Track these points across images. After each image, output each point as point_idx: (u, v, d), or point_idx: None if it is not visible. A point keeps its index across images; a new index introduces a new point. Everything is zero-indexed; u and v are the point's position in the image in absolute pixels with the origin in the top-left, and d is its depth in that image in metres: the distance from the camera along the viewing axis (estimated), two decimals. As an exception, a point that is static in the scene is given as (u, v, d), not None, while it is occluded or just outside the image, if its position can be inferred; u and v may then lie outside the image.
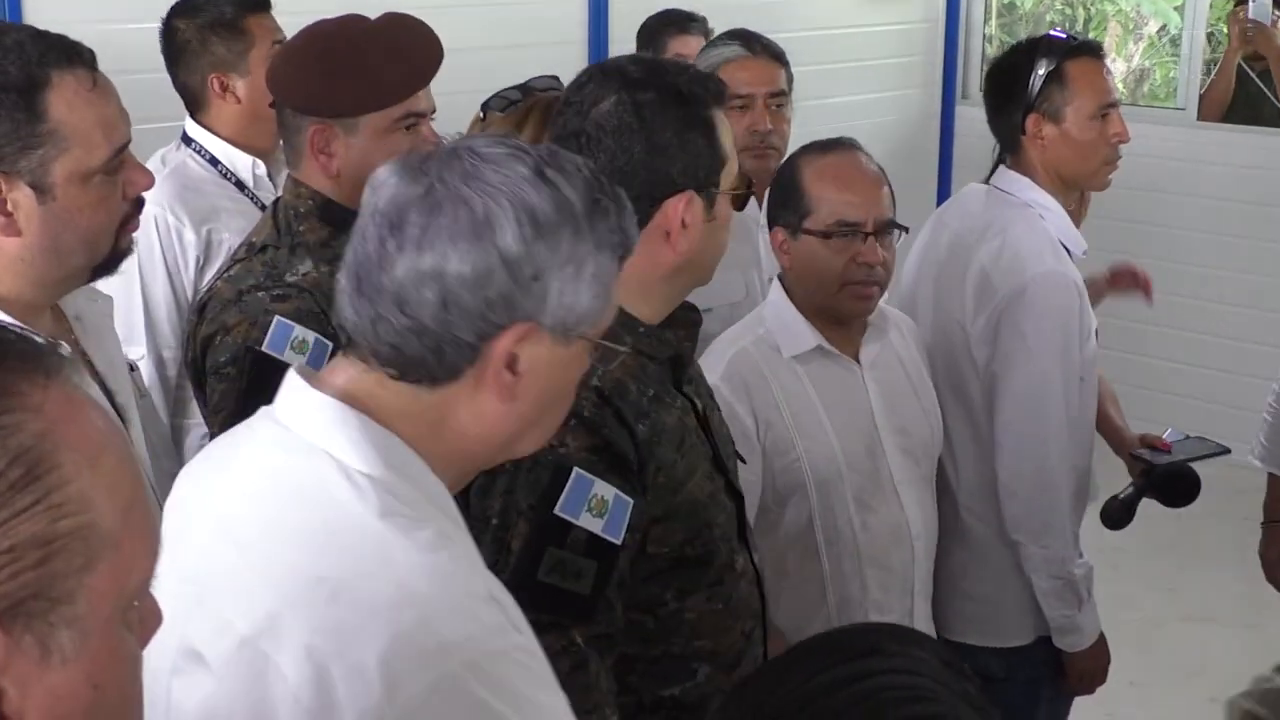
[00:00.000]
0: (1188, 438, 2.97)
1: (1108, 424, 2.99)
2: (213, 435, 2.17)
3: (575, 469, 1.66)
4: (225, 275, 2.21)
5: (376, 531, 1.22)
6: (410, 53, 2.22)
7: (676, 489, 1.76)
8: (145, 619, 0.94)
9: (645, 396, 1.75)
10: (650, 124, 1.72)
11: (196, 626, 1.23)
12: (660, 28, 4.23)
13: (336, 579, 1.19)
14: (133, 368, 2.04)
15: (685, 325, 1.86)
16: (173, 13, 2.99)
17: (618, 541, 1.68)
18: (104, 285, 1.95)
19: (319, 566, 1.21)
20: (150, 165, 2.82)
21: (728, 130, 1.80)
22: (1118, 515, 2.89)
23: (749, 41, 3.26)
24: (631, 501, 1.69)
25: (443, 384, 1.29)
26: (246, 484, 1.31)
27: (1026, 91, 2.70)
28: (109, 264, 1.84)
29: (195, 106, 2.98)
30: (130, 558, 0.89)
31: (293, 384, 1.32)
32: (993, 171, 2.88)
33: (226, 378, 2.11)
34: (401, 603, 1.18)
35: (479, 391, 1.29)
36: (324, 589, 1.19)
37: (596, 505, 1.66)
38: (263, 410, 1.35)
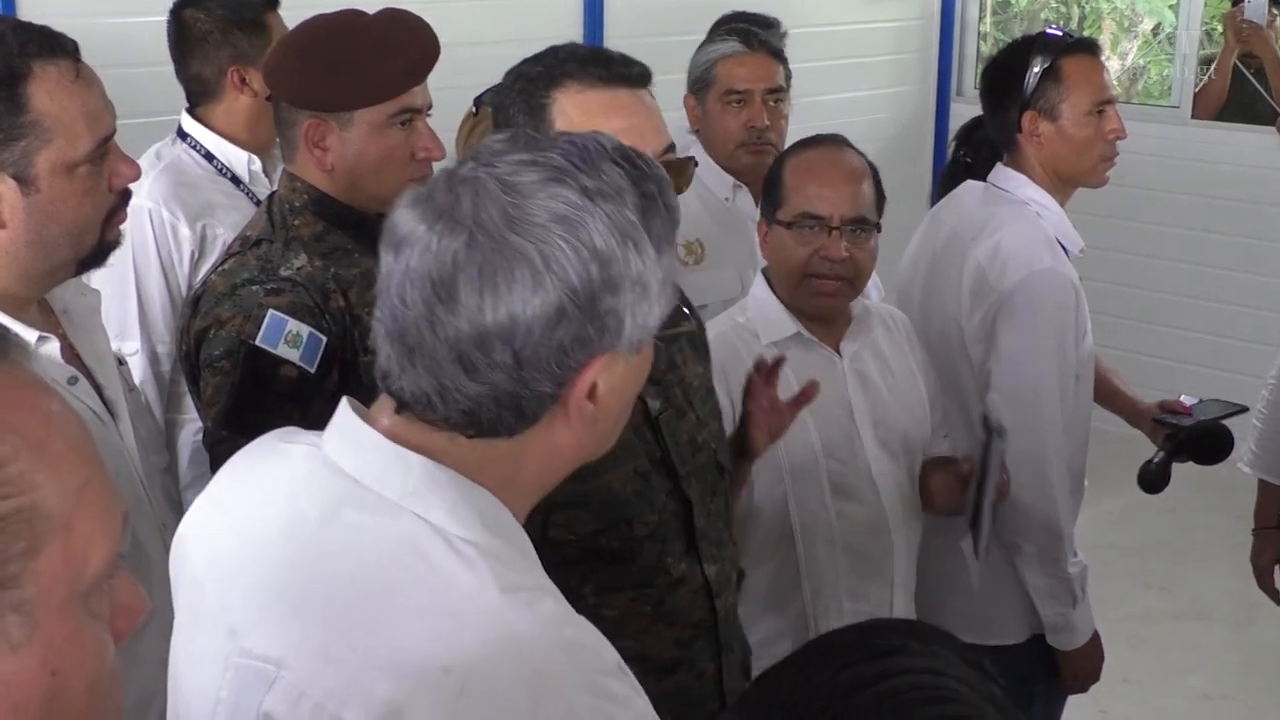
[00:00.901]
0: (1203, 400, 2.97)
1: (1119, 397, 2.99)
2: (206, 429, 2.16)
3: None
4: (219, 269, 2.20)
5: (498, 610, 1.13)
6: (406, 48, 2.21)
7: (585, 478, 1.69)
8: (120, 607, 0.91)
9: None
10: None
11: (276, 704, 1.15)
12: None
13: (465, 668, 1.10)
14: (121, 362, 2.02)
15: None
16: (184, 4, 2.99)
17: None
18: (99, 279, 1.93)
19: (441, 653, 1.11)
20: (144, 160, 2.83)
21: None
22: (1155, 479, 2.89)
23: (747, 38, 3.26)
24: None
25: (520, 432, 1.20)
26: (315, 544, 1.19)
27: (1023, 89, 2.69)
28: (96, 257, 1.82)
29: (205, 98, 2.98)
30: (85, 540, 0.86)
31: (358, 434, 1.22)
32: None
33: (220, 371, 2.10)
34: (541, 696, 1.11)
35: (556, 426, 1.21)
36: (452, 680, 1.10)
37: None
38: (305, 449, 1.25)
